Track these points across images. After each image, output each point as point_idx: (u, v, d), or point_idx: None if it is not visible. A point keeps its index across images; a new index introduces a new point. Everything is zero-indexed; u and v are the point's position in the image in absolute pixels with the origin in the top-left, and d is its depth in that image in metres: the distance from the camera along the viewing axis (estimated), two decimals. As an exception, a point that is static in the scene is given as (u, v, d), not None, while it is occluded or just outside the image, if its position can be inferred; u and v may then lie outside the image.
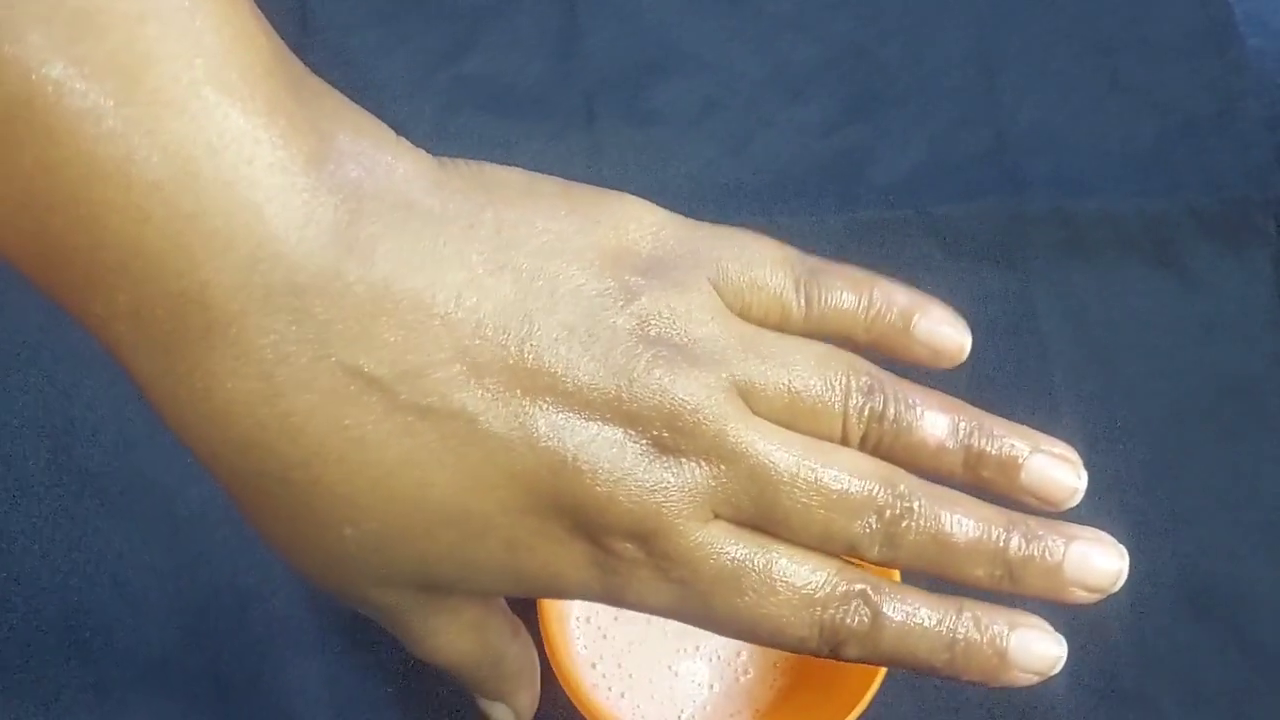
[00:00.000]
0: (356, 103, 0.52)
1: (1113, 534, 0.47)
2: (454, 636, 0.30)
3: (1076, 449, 0.49)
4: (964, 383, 0.49)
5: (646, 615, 0.43)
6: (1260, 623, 0.47)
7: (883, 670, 0.38)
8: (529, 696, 0.35)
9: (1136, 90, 0.54)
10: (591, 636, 0.43)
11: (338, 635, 0.44)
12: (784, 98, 0.53)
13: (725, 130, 0.52)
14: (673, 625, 0.43)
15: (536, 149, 0.51)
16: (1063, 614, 0.47)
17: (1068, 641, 0.46)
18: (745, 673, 0.43)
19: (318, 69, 0.51)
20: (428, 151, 0.53)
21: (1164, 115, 0.53)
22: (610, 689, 0.42)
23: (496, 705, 0.34)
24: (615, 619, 0.43)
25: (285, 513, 0.26)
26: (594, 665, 0.43)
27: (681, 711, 0.43)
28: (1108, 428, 0.49)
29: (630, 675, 0.43)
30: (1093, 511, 0.47)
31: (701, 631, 0.43)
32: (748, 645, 0.44)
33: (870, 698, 0.38)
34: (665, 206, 0.50)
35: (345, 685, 0.44)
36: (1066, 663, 0.45)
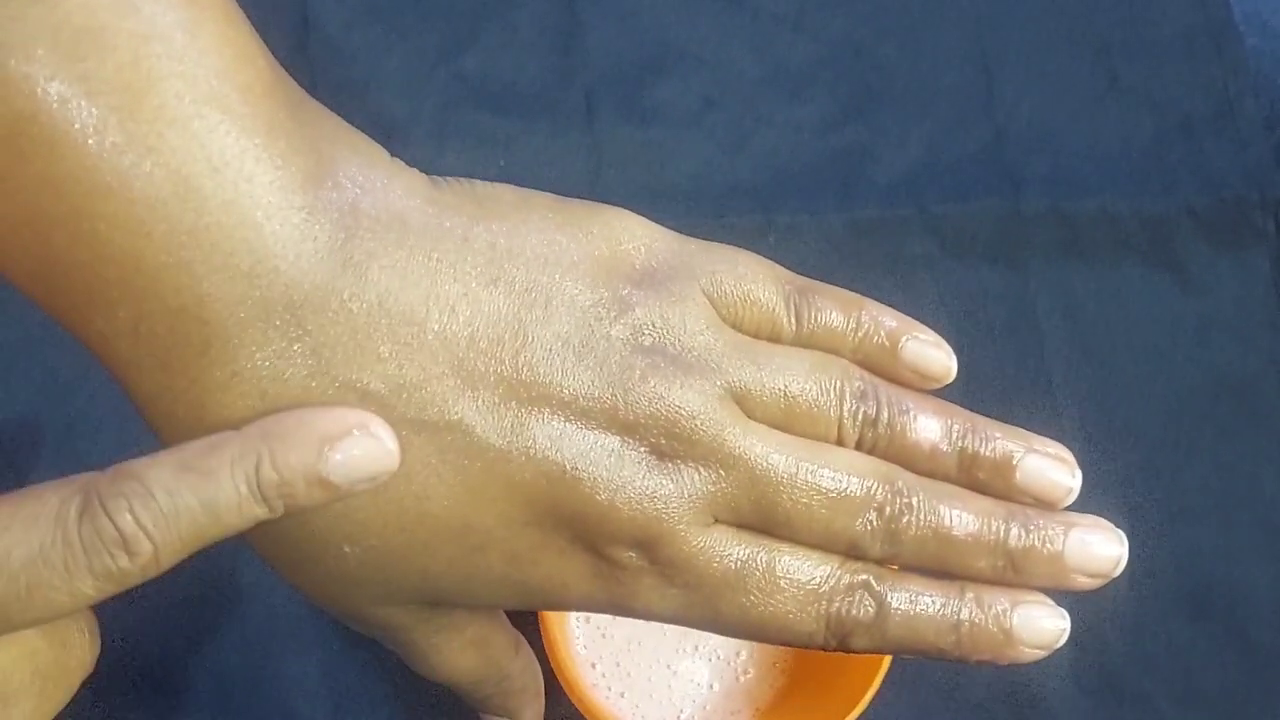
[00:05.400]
0: (357, 99, 0.52)
1: (1110, 533, 0.48)
2: (457, 653, 0.30)
3: (1073, 448, 0.49)
4: (962, 382, 0.49)
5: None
6: (1257, 622, 0.47)
7: (882, 670, 0.38)
8: (534, 712, 0.35)
9: (1135, 90, 0.54)
10: (591, 636, 0.43)
11: (337, 631, 0.44)
12: (783, 96, 0.53)
13: (724, 129, 0.52)
14: (672, 625, 0.43)
15: (536, 147, 0.51)
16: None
17: (1066, 641, 0.46)
18: (745, 672, 0.43)
19: (318, 66, 0.52)
20: (428, 149, 0.53)
21: (1162, 115, 0.53)
22: (610, 689, 0.42)
23: None
24: (615, 619, 0.43)
25: (283, 531, 0.26)
26: (594, 665, 0.43)
27: (681, 711, 0.43)
28: (1105, 427, 0.49)
29: (630, 675, 0.43)
30: (1091, 510, 0.48)
31: (701, 631, 0.43)
32: (748, 645, 0.44)
33: (870, 697, 0.38)
34: (664, 205, 0.50)
35: (344, 681, 0.44)
36: (1064, 663, 0.46)
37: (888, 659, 0.39)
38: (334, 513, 0.25)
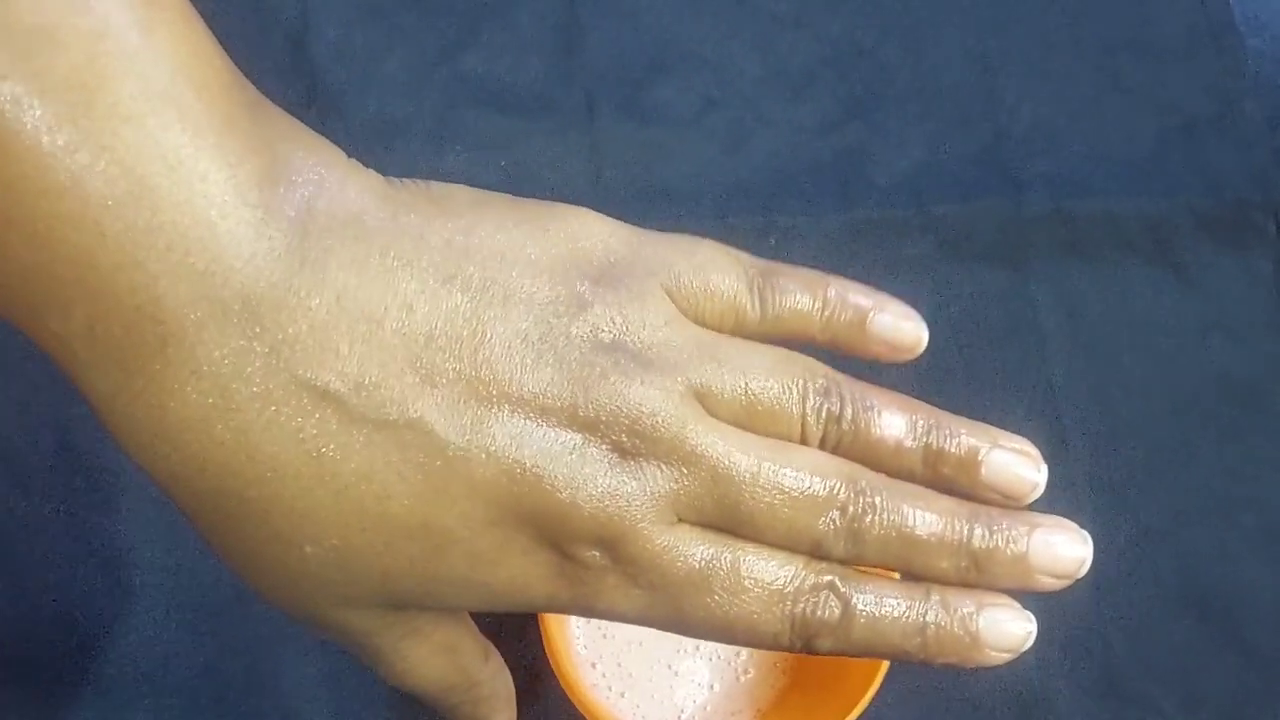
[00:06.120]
0: (357, 100, 0.52)
1: (1112, 534, 0.48)
2: (424, 660, 0.30)
3: (1075, 449, 0.50)
4: (963, 383, 0.50)
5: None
6: (1258, 624, 0.47)
7: (883, 670, 0.38)
8: None
9: (1136, 91, 0.54)
10: (591, 636, 0.43)
11: (336, 634, 0.44)
12: (783, 96, 0.53)
13: (724, 129, 0.52)
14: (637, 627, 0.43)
15: (536, 147, 0.51)
16: (1061, 615, 0.47)
17: (1067, 642, 0.46)
18: (745, 672, 0.43)
19: (318, 66, 0.52)
20: (428, 149, 0.53)
21: (1164, 116, 0.53)
22: (610, 689, 0.42)
23: None
24: (615, 619, 0.43)
25: (245, 532, 0.25)
26: (594, 665, 0.43)
27: (682, 711, 0.43)
28: (1107, 428, 0.49)
29: (630, 675, 0.43)
30: (1092, 511, 0.48)
31: (667, 633, 0.43)
32: (747, 645, 0.44)
33: (870, 698, 0.38)
34: (664, 205, 0.50)
35: (344, 683, 0.44)
36: (1067, 664, 0.46)
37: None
38: (296, 512, 0.25)
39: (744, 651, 0.44)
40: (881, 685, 0.38)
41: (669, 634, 0.42)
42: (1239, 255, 0.52)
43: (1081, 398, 0.50)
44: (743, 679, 0.43)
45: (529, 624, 0.39)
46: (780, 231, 0.50)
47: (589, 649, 0.43)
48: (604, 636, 0.43)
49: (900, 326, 0.29)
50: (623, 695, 0.42)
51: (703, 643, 0.43)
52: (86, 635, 0.43)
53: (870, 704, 0.38)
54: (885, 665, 0.38)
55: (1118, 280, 0.51)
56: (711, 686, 0.43)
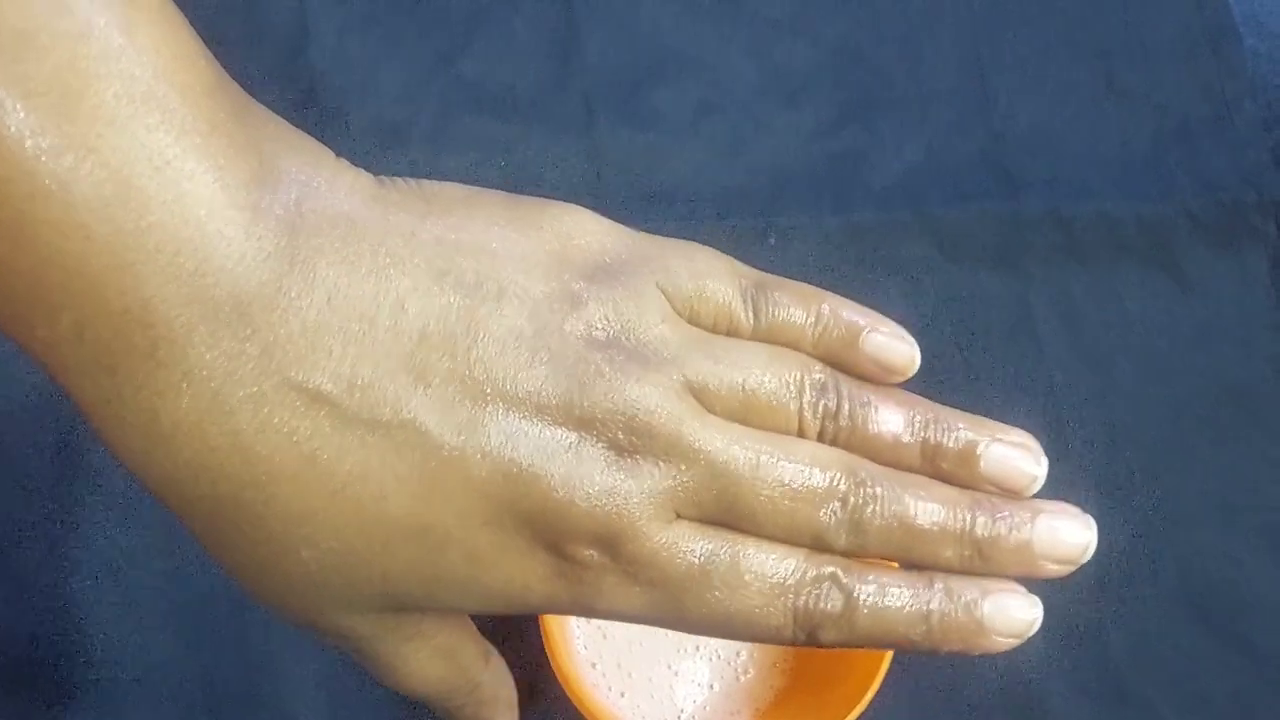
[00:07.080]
0: (355, 105, 0.52)
1: (1112, 536, 0.48)
2: (424, 663, 0.30)
3: (1073, 451, 0.50)
4: (961, 385, 0.50)
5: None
6: (1259, 626, 0.47)
7: (882, 671, 0.38)
8: None
9: (1133, 93, 0.54)
10: (591, 636, 0.43)
11: (336, 637, 0.44)
12: (780, 101, 0.53)
13: (722, 133, 0.52)
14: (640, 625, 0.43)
15: (534, 152, 0.51)
16: (1061, 616, 0.47)
17: (1066, 644, 0.46)
18: (745, 672, 0.43)
19: (316, 72, 0.52)
20: (426, 154, 0.53)
21: (1160, 118, 0.54)
22: (610, 689, 0.42)
23: None
24: (615, 619, 0.43)
25: (241, 537, 0.25)
26: (594, 665, 0.43)
27: (681, 711, 0.43)
28: (1105, 431, 0.49)
29: (630, 675, 0.43)
30: (1093, 513, 0.48)
31: (670, 630, 0.43)
32: (748, 645, 0.44)
33: (870, 698, 0.38)
34: (663, 209, 0.50)
35: (342, 688, 0.44)
36: (1066, 665, 0.46)
37: (888, 659, 0.39)
38: (292, 515, 0.25)
39: (744, 651, 0.44)
40: (881, 686, 0.38)
41: (669, 634, 0.43)
42: (1236, 257, 0.52)
43: (1079, 399, 0.50)
44: (742, 679, 0.43)
45: (529, 625, 0.39)
46: (779, 234, 0.50)
47: (589, 649, 0.43)
48: (604, 637, 0.43)
49: (893, 346, 0.28)
50: (623, 695, 0.43)
51: (703, 643, 0.43)
52: (85, 639, 0.43)
53: (870, 704, 0.38)
54: (885, 666, 0.38)
55: (1114, 282, 0.51)
56: (711, 686, 0.43)
